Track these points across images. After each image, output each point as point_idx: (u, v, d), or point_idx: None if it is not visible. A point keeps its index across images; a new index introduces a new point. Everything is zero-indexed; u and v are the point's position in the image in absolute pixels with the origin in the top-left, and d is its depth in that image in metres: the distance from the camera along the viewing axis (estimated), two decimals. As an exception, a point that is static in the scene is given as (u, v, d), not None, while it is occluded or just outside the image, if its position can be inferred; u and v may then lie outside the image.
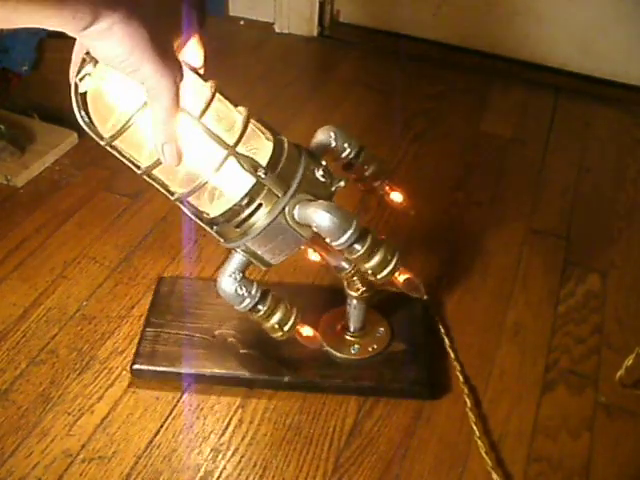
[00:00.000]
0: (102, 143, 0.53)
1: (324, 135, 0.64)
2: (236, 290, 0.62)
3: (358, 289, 0.73)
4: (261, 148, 0.58)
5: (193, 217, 0.60)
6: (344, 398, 0.76)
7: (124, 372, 0.77)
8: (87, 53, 0.49)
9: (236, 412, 0.74)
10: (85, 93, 0.52)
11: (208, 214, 0.60)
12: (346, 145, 0.64)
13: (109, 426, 0.72)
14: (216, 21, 1.46)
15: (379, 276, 0.61)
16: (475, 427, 0.73)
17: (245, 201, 0.57)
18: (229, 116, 0.57)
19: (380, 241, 0.60)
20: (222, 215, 0.59)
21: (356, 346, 0.78)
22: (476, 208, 1.03)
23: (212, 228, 0.61)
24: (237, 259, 0.62)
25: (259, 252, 0.61)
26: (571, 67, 1.35)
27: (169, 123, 0.50)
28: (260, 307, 0.64)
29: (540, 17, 1.32)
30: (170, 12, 0.48)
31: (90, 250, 0.92)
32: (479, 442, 0.72)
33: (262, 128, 0.59)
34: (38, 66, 1.08)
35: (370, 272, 0.61)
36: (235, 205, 0.58)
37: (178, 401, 0.75)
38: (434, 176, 1.09)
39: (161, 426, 0.72)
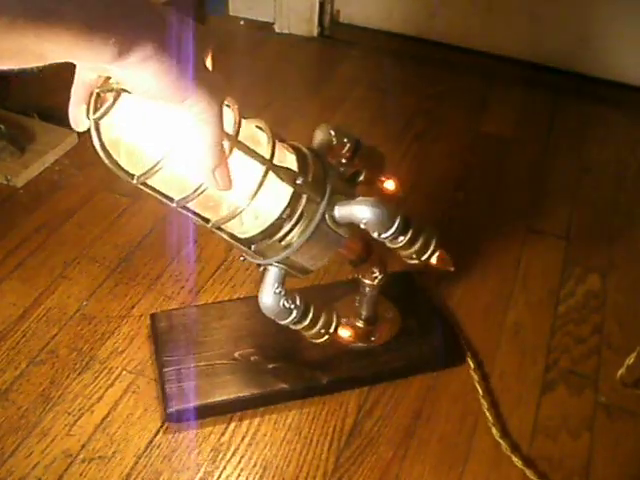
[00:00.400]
0: (133, 182, 0.49)
1: (324, 134, 0.63)
2: (283, 305, 0.61)
3: (375, 277, 0.73)
4: (285, 158, 0.57)
5: (229, 239, 0.58)
6: (344, 398, 0.76)
7: (124, 372, 0.77)
8: (102, 88, 0.45)
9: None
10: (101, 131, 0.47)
11: (244, 233, 0.58)
12: (345, 140, 0.65)
13: (109, 426, 0.72)
14: (216, 21, 1.46)
15: (422, 259, 0.64)
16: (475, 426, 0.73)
17: (287, 213, 0.56)
18: (250, 130, 0.55)
19: (420, 227, 0.62)
20: (262, 232, 0.57)
21: (376, 333, 0.78)
22: (476, 208, 1.03)
23: (250, 248, 0.59)
24: (275, 273, 0.60)
25: (300, 261, 0.60)
26: (571, 67, 1.35)
27: (219, 145, 0.46)
28: (306, 316, 0.63)
29: (540, 17, 1.32)
30: (189, 26, 0.43)
31: (90, 250, 0.92)
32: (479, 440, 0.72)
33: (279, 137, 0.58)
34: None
35: (414, 256, 0.63)
36: (277, 220, 0.56)
37: (178, 401, 0.74)
38: (434, 176, 1.09)
39: (161, 426, 0.72)
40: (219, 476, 0.69)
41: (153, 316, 0.81)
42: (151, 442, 0.71)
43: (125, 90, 0.43)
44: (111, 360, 0.78)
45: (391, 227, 0.59)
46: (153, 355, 0.78)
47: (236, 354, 0.77)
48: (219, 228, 0.56)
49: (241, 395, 0.73)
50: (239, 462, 0.70)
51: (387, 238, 0.60)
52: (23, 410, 0.73)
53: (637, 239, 1.00)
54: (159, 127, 0.48)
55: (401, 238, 0.61)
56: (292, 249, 0.58)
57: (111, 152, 0.47)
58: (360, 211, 0.58)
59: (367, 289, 0.75)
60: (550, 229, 1.00)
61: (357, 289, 0.77)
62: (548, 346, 0.83)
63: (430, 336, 0.80)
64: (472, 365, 0.79)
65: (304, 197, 0.56)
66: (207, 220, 0.55)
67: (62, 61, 0.37)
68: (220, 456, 0.70)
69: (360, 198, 0.59)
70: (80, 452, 0.70)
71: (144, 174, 0.48)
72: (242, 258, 0.63)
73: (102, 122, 0.45)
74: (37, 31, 0.34)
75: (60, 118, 1.10)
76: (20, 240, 0.93)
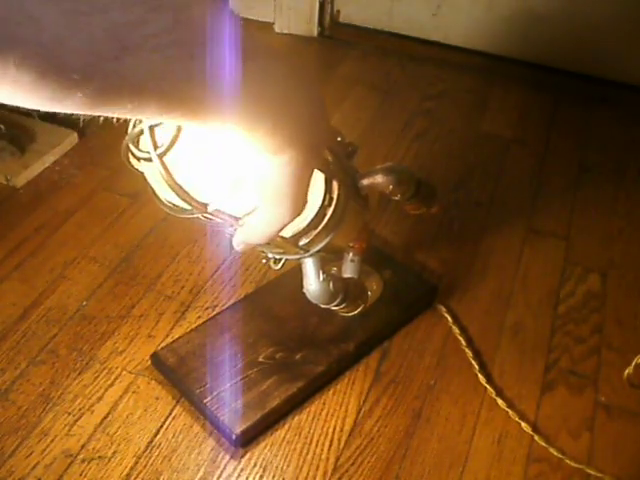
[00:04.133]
0: (200, 213, 0.48)
1: (384, 181, 0.68)
2: (331, 288, 0.64)
3: (362, 247, 0.73)
4: None
5: (275, 246, 0.58)
6: (344, 398, 0.76)
7: (124, 372, 0.77)
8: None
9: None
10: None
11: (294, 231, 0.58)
12: (406, 187, 0.70)
13: (109, 426, 0.72)
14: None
15: (427, 209, 0.74)
16: (475, 427, 0.73)
17: (327, 200, 0.56)
18: None
19: (426, 184, 0.71)
20: (308, 225, 0.57)
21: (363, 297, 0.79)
22: (476, 208, 1.03)
23: (297, 245, 0.58)
24: (315, 262, 0.62)
25: (334, 243, 0.60)
26: (571, 67, 1.35)
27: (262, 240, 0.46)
28: (347, 293, 0.66)
29: (540, 17, 1.32)
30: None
31: (90, 250, 0.92)
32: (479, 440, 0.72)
33: None
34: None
35: (418, 205, 0.72)
36: (320, 209, 0.56)
37: (178, 401, 0.75)
38: (434, 176, 1.09)
39: (161, 426, 0.72)
40: (219, 476, 0.69)
41: (155, 356, 0.77)
42: (151, 442, 0.71)
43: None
44: (111, 360, 0.78)
45: (411, 186, 0.67)
46: (175, 396, 0.76)
47: (260, 358, 0.76)
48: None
49: (290, 392, 0.73)
50: (239, 462, 0.70)
51: (405, 196, 0.68)
52: (23, 410, 0.73)
53: (637, 239, 1.00)
54: (222, 160, 0.46)
55: (413, 194, 0.69)
56: (334, 234, 0.58)
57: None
58: (384, 181, 0.63)
59: (355, 257, 0.74)
60: (550, 229, 1.00)
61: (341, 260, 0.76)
62: (548, 346, 0.83)
63: (410, 280, 0.87)
64: (476, 366, 0.79)
65: (334, 181, 0.57)
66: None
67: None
68: (220, 456, 0.70)
69: (377, 168, 0.64)
70: (80, 452, 0.70)
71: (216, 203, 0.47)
72: (264, 260, 0.63)
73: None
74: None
75: (60, 118, 1.10)
76: (20, 240, 0.93)
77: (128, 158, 0.48)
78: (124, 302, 0.85)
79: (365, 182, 0.65)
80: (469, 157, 1.15)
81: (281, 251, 0.60)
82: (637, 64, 1.31)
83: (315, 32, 1.46)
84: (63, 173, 1.05)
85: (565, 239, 0.99)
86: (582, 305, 0.89)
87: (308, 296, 0.65)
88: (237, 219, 0.50)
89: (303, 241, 0.59)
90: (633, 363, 0.79)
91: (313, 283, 0.63)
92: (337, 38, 1.47)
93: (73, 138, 1.09)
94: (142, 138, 0.45)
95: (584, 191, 1.08)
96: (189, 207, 0.47)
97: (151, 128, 0.43)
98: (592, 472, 0.70)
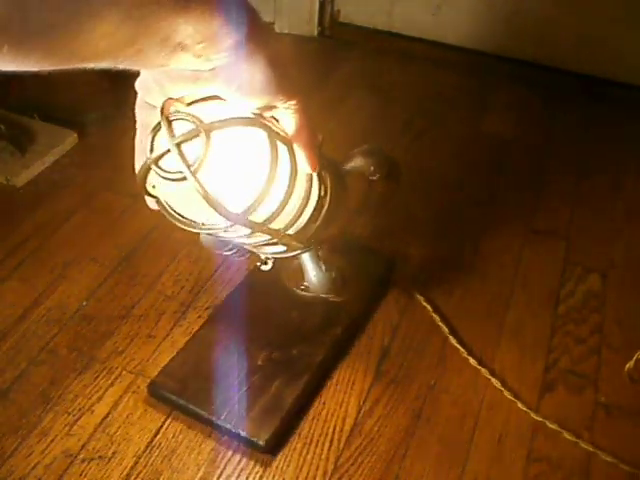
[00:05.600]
0: (234, 220, 0.48)
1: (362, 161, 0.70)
2: (333, 276, 0.65)
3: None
4: None
5: (281, 248, 0.59)
6: (344, 398, 0.76)
7: (124, 372, 0.77)
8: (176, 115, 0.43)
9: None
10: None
11: (297, 228, 0.59)
12: (380, 168, 0.72)
13: (109, 426, 0.72)
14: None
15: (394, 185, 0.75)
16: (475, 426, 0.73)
17: (322, 191, 0.56)
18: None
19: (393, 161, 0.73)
20: (309, 219, 0.57)
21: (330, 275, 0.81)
22: (476, 208, 1.03)
23: (301, 241, 0.59)
24: (312, 255, 0.64)
25: (328, 233, 0.62)
26: (571, 67, 1.35)
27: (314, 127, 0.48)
28: (343, 276, 0.67)
29: (540, 17, 1.32)
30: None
31: (90, 250, 0.92)
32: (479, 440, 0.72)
33: None
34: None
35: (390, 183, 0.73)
36: (317, 201, 0.56)
37: (178, 401, 0.74)
38: (434, 176, 1.09)
39: (161, 426, 0.72)
40: (219, 476, 0.69)
41: (154, 385, 0.74)
42: (151, 442, 0.71)
43: (196, 120, 0.42)
44: (111, 360, 0.78)
45: (386, 165, 0.69)
46: (177, 419, 0.73)
47: (259, 362, 0.76)
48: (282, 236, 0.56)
49: (300, 388, 0.74)
50: (239, 462, 0.70)
51: (383, 175, 0.69)
52: (23, 410, 0.73)
53: (637, 239, 1.00)
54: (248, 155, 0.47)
55: (388, 172, 0.70)
56: (333, 223, 0.59)
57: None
58: (367, 159, 0.66)
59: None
60: (550, 229, 1.00)
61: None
62: (548, 346, 0.83)
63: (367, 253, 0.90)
64: (476, 366, 0.79)
65: (326, 171, 0.57)
66: (277, 232, 0.54)
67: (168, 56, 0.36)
68: (220, 456, 0.70)
69: (357, 150, 0.67)
70: (80, 452, 0.70)
71: (248, 209, 0.47)
72: (259, 264, 0.64)
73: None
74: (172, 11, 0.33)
75: (60, 118, 1.10)
76: (20, 240, 0.93)
77: (145, 183, 0.47)
78: (124, 302, 0.85)
79: (347, 167, 0.66)
80: (469, 157, 1.15)
81: (284, 249, 0.60)
82: (637, 64, 1.31)
83: (315, 32, 1.46)
84: (63, 173, 1.05)
85: (565, 239, 0.99)
86: (582, 305, 0.89)
87: (312, 288, 0.66)
88: (264, 226, 0.50)
89: (306, 235, 0.59)
90: (634, 358, 0.79)
91: (317, 274, 0.64)
92: (337, 38, 1.47)
93: (73, 138, 1.09)
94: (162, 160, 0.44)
95: (584, 191, 1.08)
96: (219, 223, 0.47)
97: (178, 145, 0.43)
98: (608, 459, 0.70)
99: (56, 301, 0.85)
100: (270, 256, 0.64)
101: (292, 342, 0.78)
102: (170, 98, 0.44)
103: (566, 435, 0.73)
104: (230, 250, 0.69)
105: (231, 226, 0.48)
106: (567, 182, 1.10)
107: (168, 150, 0.44)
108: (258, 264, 0.65)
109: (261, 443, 0.69)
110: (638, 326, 0.86)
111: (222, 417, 0.71)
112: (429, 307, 0.86)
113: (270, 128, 0.46)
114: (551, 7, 1.31)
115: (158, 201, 0.48)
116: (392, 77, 1.34)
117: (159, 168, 0.45)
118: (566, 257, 0.96)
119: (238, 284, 0.86)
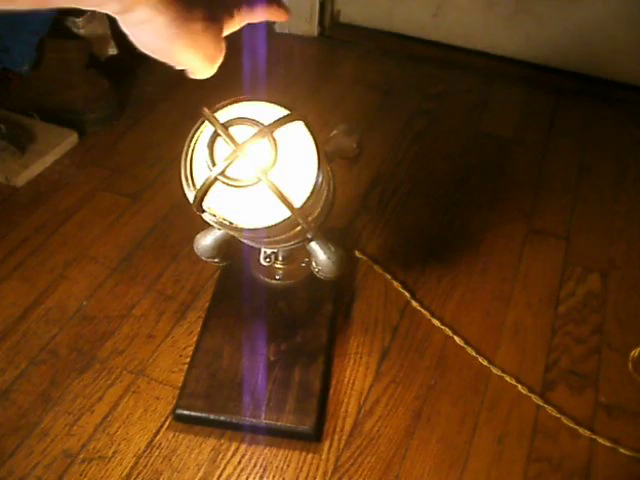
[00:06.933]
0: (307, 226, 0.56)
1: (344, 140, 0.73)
2: (341, 254, 0.67)
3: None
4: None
5: (293, 237, 0.62)
6: (344, 398, 0.76)
7: (124, 372, 0.77)
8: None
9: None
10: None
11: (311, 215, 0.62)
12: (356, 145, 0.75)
13: (109, 426, 0.72)
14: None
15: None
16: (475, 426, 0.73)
17: (320, 179, 0.57)
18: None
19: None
20: (325, 201, 0.61)
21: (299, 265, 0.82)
22: (476, 208, 1.03)
23: (311, 227, 0.60)
24: (318, 242, 0.65)
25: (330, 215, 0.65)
26: (571, 67, 1.35)
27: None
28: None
29: (540, 17, 1.32)
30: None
31: (90, 250, 0.92)
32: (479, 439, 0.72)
33: None
34: (38, 66, 1.07)
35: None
36: (314, 189, 0.57)
37: (178, 401, 0.74)
38: (434, 176, 1.09)
39: (161, 426, 0.72)
40: (219, 476, 0.69)
41: (179, 408, 0.72)
42: (151, 442, 0.71)
43: (256, 124, 0.50)
44: (111, 360, 0.78)
45: (362, 139, 0.72)
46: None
47: (272, 357, 0.77)
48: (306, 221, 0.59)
49: (321, 369, 0.76)
50: (239, 462, 0.70)
51: (360, 149, 0.72)
52: (23, 410, 0.73)
53: (637, 239, 1.00)
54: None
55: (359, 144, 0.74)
56: (333, 207, 0.62)
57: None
58: (350, 137, 0.70)
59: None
60: (550, 229, 1.00)
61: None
62: (548, 346, 0.83)
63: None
64: (476, 366, 0.79)
65: (323, 163, 0.59)
66: (312, 221, 0.59)
67: (67, 5, 0.38)
68: (220, 456, 0.70)
69: (336, 132, 0.69)
70: (80, 452, 0.70)
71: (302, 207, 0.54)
72: (267, 258, 0.65)
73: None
74: None
75: (60, 118, 1.10)
76: (20, 240, 0.93)
77: (202, 200, 0.51)
78: (124, 302, 0.85)
79: (331, 149, 0.67)
80: (469, 157, 1.15)
81: (298, 240, 0.64)
82: (637, 64, 1.31)
83: (315, 32, 1.46)
84: (63, 173, 1.05)
85: (565, 239, 0.99)
86: (582, 305, 0.89)
87: (326, 270, 0.67)
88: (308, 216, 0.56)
89: (318, 221, 0.63)
90: (639, 349, 0.80)
91: (330, 256, 0.66)
92: (337, 38, 1.46)
93: (73, 138, 1.09)
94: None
95: (584, 191, 1.08)
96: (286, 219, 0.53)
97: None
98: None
99: (56, 301, 0.85)
100: (278, 249, 0.65)
101: (292, 330, 0.79)
102: (205, 108, 0.47)
103: (566, 435, 0.73)
104: (213, 258, 0.71)
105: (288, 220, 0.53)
106: (567, 182, 1.10)
107: (234, 158, 0.47)
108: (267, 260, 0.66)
109: (309, 431, 0.71)
110: (638, 326, 0.86)
111: (262, 418, 0.71)
112: (429, 307, 0.86)
113: (306, 117, 0.52)
114: (551, 7, 1.31)
115: (215, 214, 0.53)
116: (392, 77, 1.34)
117: (227, 178, 0.48)
118: (566, 257, 0.96)
119: (214, 293, 0.85)
